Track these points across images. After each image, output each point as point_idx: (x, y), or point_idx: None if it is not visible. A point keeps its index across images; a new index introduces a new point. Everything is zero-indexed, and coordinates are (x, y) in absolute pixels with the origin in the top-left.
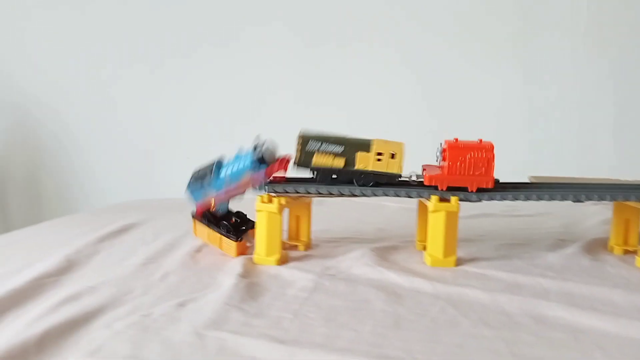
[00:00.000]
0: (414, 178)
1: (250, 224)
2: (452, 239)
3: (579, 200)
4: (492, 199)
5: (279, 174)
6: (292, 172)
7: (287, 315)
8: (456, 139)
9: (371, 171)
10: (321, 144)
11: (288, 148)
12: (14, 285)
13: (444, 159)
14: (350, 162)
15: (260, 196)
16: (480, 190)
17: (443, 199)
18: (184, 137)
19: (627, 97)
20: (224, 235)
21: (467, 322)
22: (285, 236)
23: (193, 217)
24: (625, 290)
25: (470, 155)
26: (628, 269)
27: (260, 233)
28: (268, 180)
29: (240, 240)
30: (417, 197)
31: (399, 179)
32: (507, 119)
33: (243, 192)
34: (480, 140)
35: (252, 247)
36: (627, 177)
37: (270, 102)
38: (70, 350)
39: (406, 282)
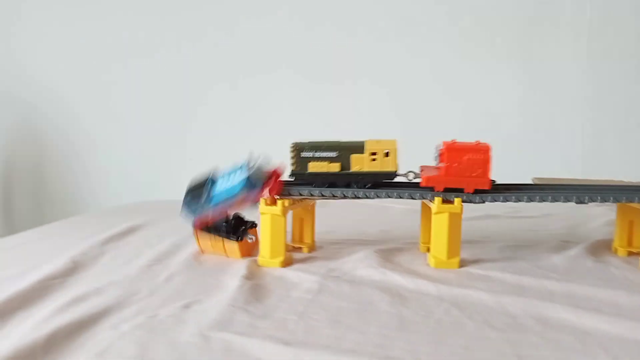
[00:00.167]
0: (411, 177)
1: (249, 223)
2: (455, 241)
3: (582, 202)
4: (495, 201)
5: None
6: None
7: (293, 316)
8: (453, 140)
9: (367, 172)
10: (315, 151)
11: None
12: (21, 287)
13: (441, 160)
14: (345, 165)
15: (264, 199)
16: (482, 191)
17: (446, 201)
18: (188, 139)
19: (630, 99)
20: (225, 237)
21: (472, 324)
22: (289, 238)
23: (194, 231)
24: (630, 291)
25: (467, 156)
26: (632, 271)
27: (265, 235)
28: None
29: (241, 240)
30: (416, 198)
31: (396, 177)
32: (511, 121)
33: (241, 208)
34: (478, 142)
35: (256, 245)
36: (631, 178)
37: (273, 104)
38: (77, 351)
39: (410, 284)
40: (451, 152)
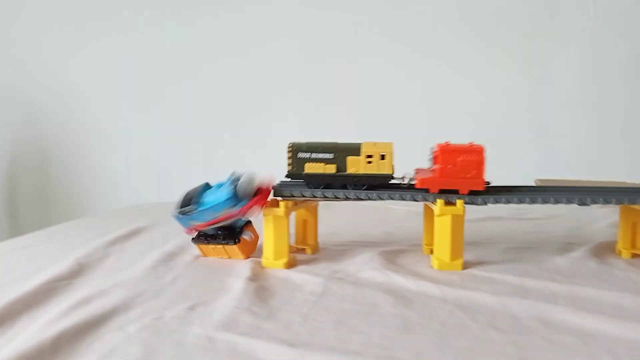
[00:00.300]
0: (406, 180)
1: (244, 222)
2: (458, 243)
3: (584, 204)
4: (498, 202)
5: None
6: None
7: (297, 318)
8: (447, 142)
9: (363, 174)
10: (311, 152)
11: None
12: (27, 289)
13: (435, 162)
14: (341, 167)
15: (268, 200)
16: (484, 193)
17: (449, 203)
18: (192, 141)
19: (634, 101)
20: (223, 244)
21: (476, 326)
22: (292, 240)
23: (193, 241)
24: (634, 293)
25: (462, 158)
26: (636, 273)
27: (268, 237)
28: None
29: (239, 242)
30: (407, 199)
31: (392, 180)
32: (515, 123)
33: (227, 221)
34: (472, 143)
35: (256, 241)
36: (634, 180)
37: (276, 107)
38: (84, 353)
39: (414, 286)
40: (445, 153)
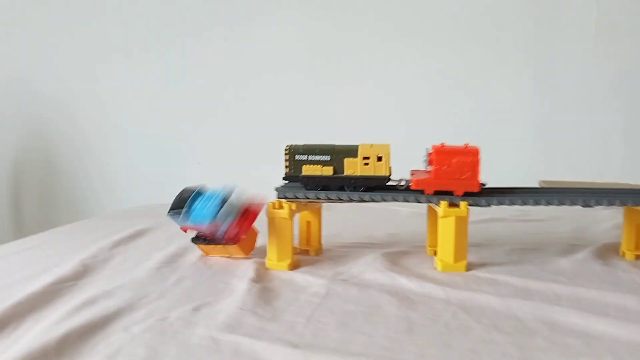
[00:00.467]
0: (402, 183)
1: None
2: (462, 244)
3: (588, 205)
4: (502, 204)
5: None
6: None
7: (301, 319)
8: (442, 144)
9: (360, 176)
10: (308, 154)
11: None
12: (33, 290)
13: (430, 163)
14: (338, 169)
15: (272, 202)
16: (488, 194)
17: (452, 204)
18: (195, 142)
19: (636, 101)
20: (223, 243)
21: (480, 328)
22: (296, 241)
23: (193, 241)
24: (638, 295)
25: (456, 159)
26: None
27: (272, 238)
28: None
29: (238, 241)
30: (400, 200)
31: (389, 182)
32: (518, 124)
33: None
34: (466, 145)
35: (255, 236)
36: (638, 181)
37: (281, 107)
38: (89, 353)
39: (418, 288)
40: (440, 155)
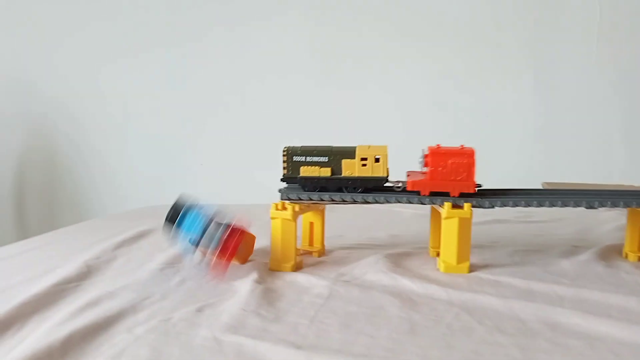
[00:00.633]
0: (399, 184)
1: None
2: (465, 246)
3: (591, 207)
4: (505, 205)
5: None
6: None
7: (304, 321)
8: (438, 145)
9: (357, 177)
10: (306, 155)
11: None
12: (36, 291)
13: (425, 165)
14: (336, 170)
15: (275, 204)
16: (492, 196)
17: (456, 206)
18: (198, 143)
19: (639, 103)
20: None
21: (482, 329)
22: (298, 242)
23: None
24: None
25: (452, 160)
26: None
27: (276, 240)
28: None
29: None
30: (397, 202)
31: (386, 183)
32: (519, 125)
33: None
34: (462, 146)
35: (250, 244)
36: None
37: (282, 109)
38: (93, 354)
39: (420, 289)
40: (435, 156)
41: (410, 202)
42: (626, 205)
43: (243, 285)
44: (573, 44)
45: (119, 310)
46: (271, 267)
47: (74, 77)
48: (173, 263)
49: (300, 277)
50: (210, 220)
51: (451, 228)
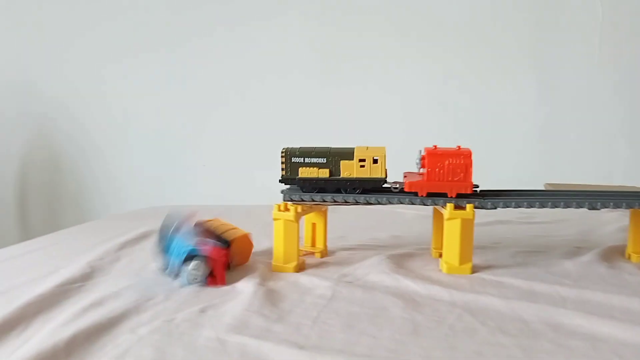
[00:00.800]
0: (396, 185)
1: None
2: (467, 247)
3: (594, 208)
4: (507, 206)
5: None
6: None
7: (307, 321)
8: (435, 146)
9: (356, 178)
10: (304, 157)
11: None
12: (41, 291)
13: (422, 166)
14: (335, 171)
15: (277, 205)
16: (494, 197)
17: (458, 207)
18: (201, 144)
19: None
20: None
21: (485, 330)
22: (301, 243)
23: None
24: None
25: (449, 161)
26: None
27: (278, 241)
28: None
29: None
30: (395, 203)
31: (384, 184)
32: (521, 126)
33: None
34: (459, 147)
35: (247, 250)
36: None
37: (284, 109)
38: (97, 354)
39: (423, 290)
40: (432, 157)
41: (412, 203)
42: (629, 207)
43: (246, 285)
44: (575, 44)
45: (123, 311)
46: (274, 268)
47: (76, 77)
48: None
49: (303, 278)
50: (189, 252)
51: (454, 229)
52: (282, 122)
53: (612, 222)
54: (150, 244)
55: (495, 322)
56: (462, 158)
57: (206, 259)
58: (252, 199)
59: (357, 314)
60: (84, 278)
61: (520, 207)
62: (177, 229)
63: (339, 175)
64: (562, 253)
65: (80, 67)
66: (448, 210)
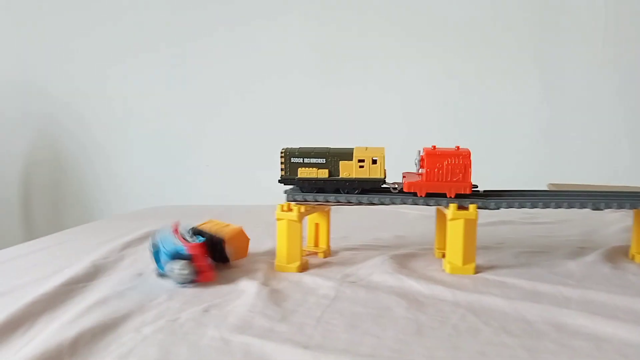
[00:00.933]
0: (396, 187)
1: (216, 241)
2: (471, 247)
3: (598, 208)
4: (511, 207)
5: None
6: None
7: (310, 321)
8: (434, 147)
9: (355, 178)
10: (304, 157)
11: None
12: (45, 291)
13: (421, 166)
14: (334, 171)
15: (281, 205)
16: (497, 197)
17: (461, 207)
18: (204, 145)
19: None
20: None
21: (489, 330)
22: (304, 243)
23: None
24: None
25: (448, 161)
26: None
27: (281, 241)
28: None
29: (228, 262)
30: (399, 204)
31: (383, 185)
32: (525, 127)
33: None
34: (458, 147)
35: (244, 246)
36: None
37: (287, 110)
38: (102, 353)
39: (426, 290)
40: (431, 157)
41: (415, 204)
42: (632, 207)
43: (249, 285)
44: (578, 45)
45: (127, 311)
46: (277, 268)
47: (79, 77)
48: None
49: (306, 278)
50: (171, 253)
51: (457, 229)
52: (284, 122)
53: (615, 222)
54: None
55: (499, 322)
56: (460, 158)
57: (190, 257)
58: (255, 199)
59: (360, 314)
60: (88, 277)
61: (523, 207)
62: (161, 237)
63: (338, 175)
64: (565, 253)
65: (83, 67)
66: (451, 210)
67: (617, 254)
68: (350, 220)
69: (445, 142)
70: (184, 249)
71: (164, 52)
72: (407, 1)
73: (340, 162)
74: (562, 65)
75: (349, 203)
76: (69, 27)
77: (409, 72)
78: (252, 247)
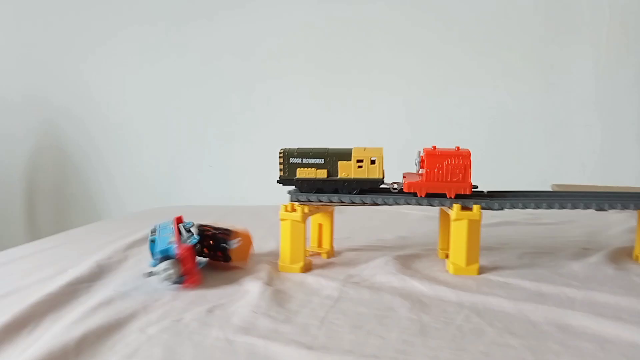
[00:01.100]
0: (396, 187)
1: (222, 233)
2: (474, 248)
3: (601, 209)
4: (514, 207)
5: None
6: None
7: (314, 322)
8: (434, 147)
9: (353, 178)
10: (302, 158)
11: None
12: (50, 291)
13: (422, 166)
14: (332, 172)
15: (284, 205)
16: (501, 198)
17: (465, 208)
18: (206, 146)
19: None
20: (218, 260)
21: (493, 331)
22: (307, 244)
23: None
24: None
25: (448, 162)
26: None
27: (285, 241)
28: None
29: (230, 260)
30: (400, 204)
31: (382, 185)
32: (529, 127)
33: None
34: (458, 148)
35: (247, 244)
36: None
37: (288, 110)
38: (107, 353)
39: (430, 291)
40: (431, 158)
41: (418, 204)
42: (636, 208)
43: (253, 286)
44: (583, 45)
45: (132, 311)
46: (280, 269)
47: (82, 81)
48: None
49: (310, 279)
50: (162, 253)
51: (460, 230)
52: (285, 122)
53: (619, 223)
54: None
55: (503, 323)
56: (460, 159)
57: (177, 258)
58: (256, 199)
59: (364, 314)
60: (93, 278)
61: (527, 208)
62: (162, 225)
63: (337, 175)
64: (569, 254)
65: (84, 71)
66: (455, 211)
67: (621, 255)
68: (353, 220)
69: (447, 143)
70: (173, 248)
71: (165, 53)
72: (409, 1)
73: (339, 162)
74: (566, 66)
75: (352, 204)
76: (70, 31)
77: (413, 71)
78: (256, 248)
